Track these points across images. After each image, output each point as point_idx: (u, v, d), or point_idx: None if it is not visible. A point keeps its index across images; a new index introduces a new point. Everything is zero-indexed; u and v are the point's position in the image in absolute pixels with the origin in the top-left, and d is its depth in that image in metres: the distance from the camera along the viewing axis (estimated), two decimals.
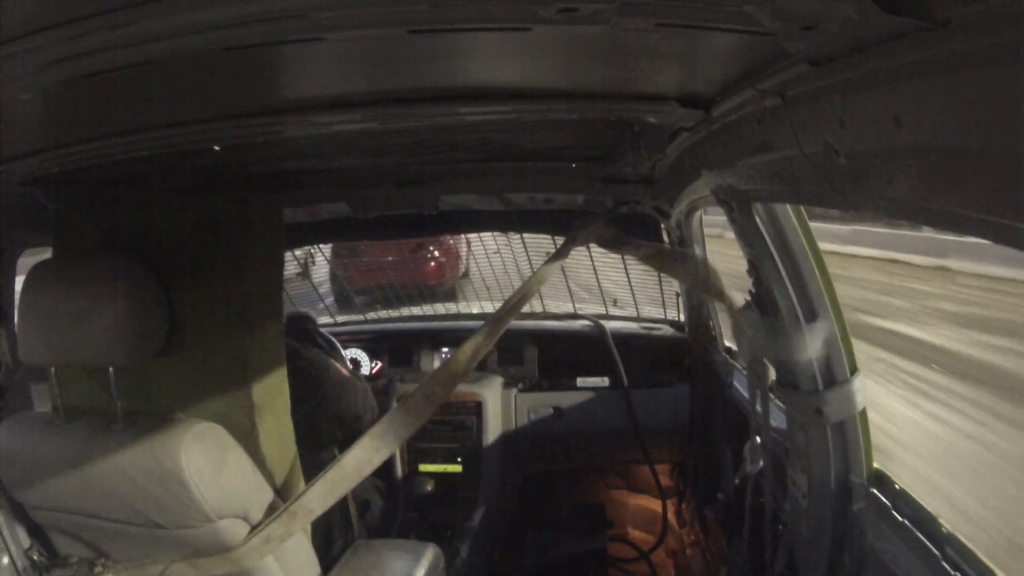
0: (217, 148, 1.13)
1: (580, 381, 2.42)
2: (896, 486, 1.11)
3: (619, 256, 2.51)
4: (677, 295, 2.49)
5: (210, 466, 1.07)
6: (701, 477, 2.33)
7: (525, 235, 2.66)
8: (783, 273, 1.14)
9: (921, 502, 1.04)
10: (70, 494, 1.11)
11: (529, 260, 2.78)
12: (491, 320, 1.27)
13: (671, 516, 2.53)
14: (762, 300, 1.21)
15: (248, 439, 1.16)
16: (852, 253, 8.89)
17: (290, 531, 1.15)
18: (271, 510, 1.17)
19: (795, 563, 1.29)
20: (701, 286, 1.33)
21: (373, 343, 2.60)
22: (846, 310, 1.16)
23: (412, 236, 2.68)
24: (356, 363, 2.56)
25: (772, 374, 1.27)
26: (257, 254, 1.20)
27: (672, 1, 0.58)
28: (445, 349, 2.54)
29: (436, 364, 2.50)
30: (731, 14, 0.58)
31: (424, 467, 2.27)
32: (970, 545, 0.92)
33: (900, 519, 1.03)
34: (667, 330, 2.53)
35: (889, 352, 5.11)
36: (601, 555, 2.39)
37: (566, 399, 2.38)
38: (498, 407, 2.33)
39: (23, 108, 0.78)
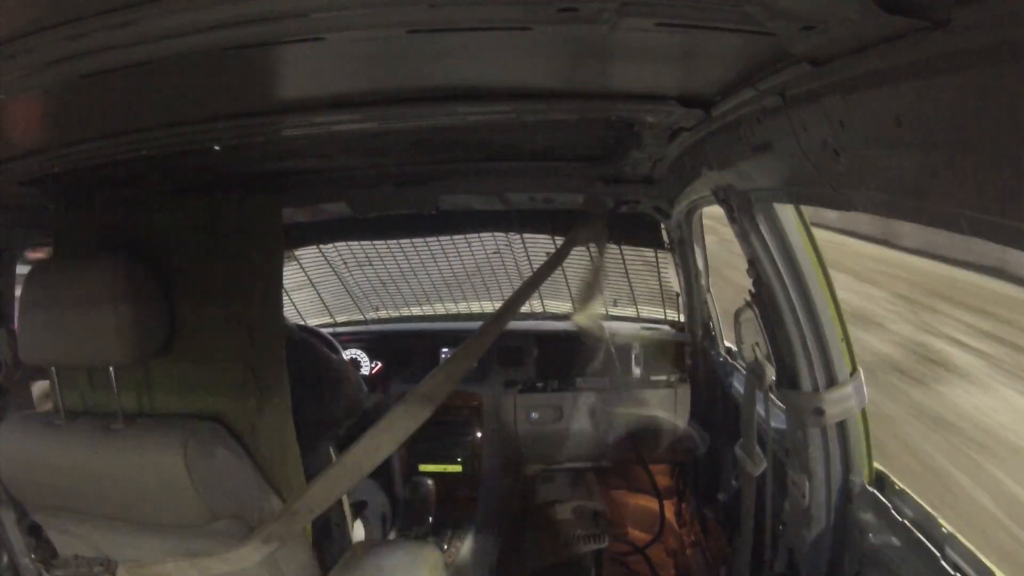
0: (217, 148, 1.13)
1: (580, 381, 2.42)
2: (896, 486, 1.11)
3: (619, 256, 2.52)
4: (677, 295, 2.48)
5: (210, 466, 1.06)
6: (701, 477, 2.33)
7: (525, 235, 2.66)
8: (783, 273, 1.14)
9: (921, 502, 1.04)
10: (70, 494, 1.11)
11: (529, 260, 2.78)
12: (490, 320, 1.27)
13: (671, 516, 2.53)
14: (762, 300, 1.21)
15: (248, 439, 1.16)
16: None
17: (290, 531, 1.15)
18: (271, 510, 1.17)
19: (795, 563, 1.29)
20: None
21: (373, 343, 2.60)
22: None
23: (412, 236, 2.68)
24: (356, 363, 2.56)
25: (772, 374, 1.26)
26: (257, 254, 1.20)
27: (672, 1, 0.58)
28: (445, 349, 2.54)
29: (436, 364, 2.50)
30: (731, 14, 0.58)
31: (424, 467, 2.27)
32: (970, 545, 0.92)
33: (900, 519, 1.03)
34: (667, 330, 2.53)
35: None
36: (601, 555, 2.39)
37: (566, 399, 2.38)
38: (498, 407, 2.33)
39: (23, 108, 0.78)
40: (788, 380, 1.20)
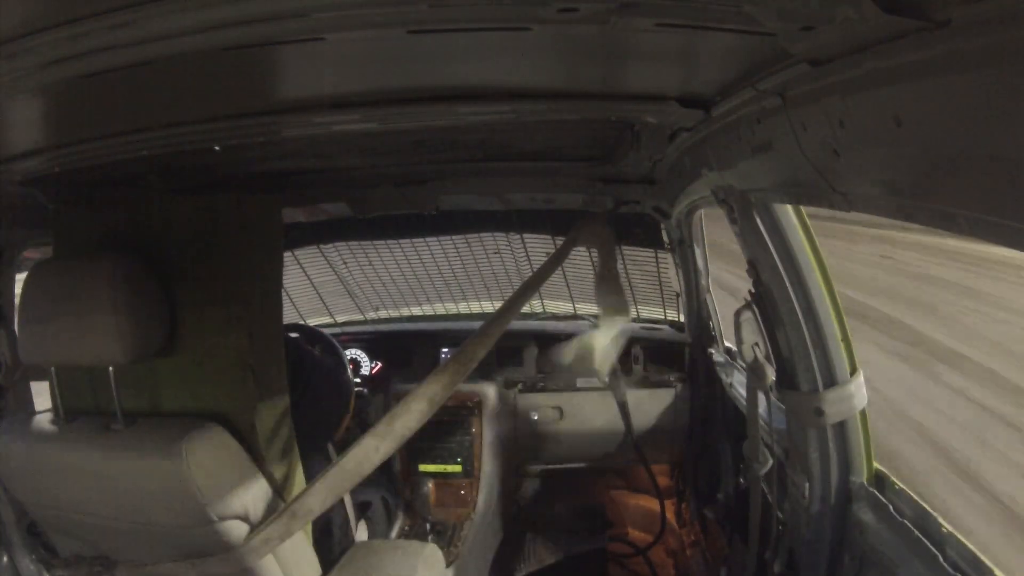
0: (217, 148, 1.13)
1: (580, 381, 2.42)
2: (896, 486, 1.11)
3: (619, 256, 2.52)
4: (677, 295, 2.49)
5: (210, 466, 1.06)
6: (701, 477, 2.33)
7: (525, 235, 2.66)
8: (783, 273, 1.14)
9: (921, 502, 1.04)
10: (70, 494, 1.11)
11: (529, 260, 2.78)
12: (491, 320, 1.27)
13: (672, 516, 2.53)
14: (762, 300, 1.21)
15: (248, 439, 1.16)
16: None
17: (290, 531, 1.14)
18: (271, 510, 1.17)
19: (795, 563, 1.29)
20: None
21: (373, 343, 2.60)
22: None
23: (412, 236, 2.68)
24: (356, 363, 2.56)
25: (772, 374, 1.26)
26: (257, 254, 1.20)
27: (672, 1, 0.58)
28: (445, 349, 2.54)
29: (436, 364, 2.50)
30: (731, 14, 0.58)
31: (424, 467, 2.27)
32: (970, 545, 0.92)
33: (900, 519, 1.03)
34: (667, 330, 2.53)
35: None
36: (601, 555, 2.39)
37: (566, 399, 2.38)
38: (498, 407, 2.33)
39: (23, 108, 0.78)
40: (788, 380, 1.20)
